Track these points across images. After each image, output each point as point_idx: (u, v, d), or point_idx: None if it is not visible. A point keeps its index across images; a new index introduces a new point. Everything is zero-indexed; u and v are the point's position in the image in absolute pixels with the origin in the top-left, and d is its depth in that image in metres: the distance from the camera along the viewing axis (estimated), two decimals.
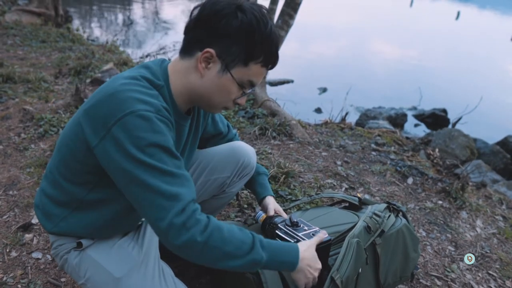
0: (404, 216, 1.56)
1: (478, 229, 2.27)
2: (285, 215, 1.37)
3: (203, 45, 0.99)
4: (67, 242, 1.13)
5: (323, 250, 1.12)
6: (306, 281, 1.07)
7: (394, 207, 1.52)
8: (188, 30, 1.02)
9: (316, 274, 1.08)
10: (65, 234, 1.12)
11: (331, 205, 1.82)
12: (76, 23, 9.25)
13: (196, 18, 1.00)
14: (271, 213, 1.36)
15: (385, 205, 1.49)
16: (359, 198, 1.65)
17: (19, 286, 1.50)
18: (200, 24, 1.00)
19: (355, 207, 1.63)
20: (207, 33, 0.99)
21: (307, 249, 1.07)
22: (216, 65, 1.00)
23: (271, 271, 1.20)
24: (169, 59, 1.13)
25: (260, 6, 1.02)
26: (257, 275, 1.21)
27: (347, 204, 1.71)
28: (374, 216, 1.38)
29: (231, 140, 1.48)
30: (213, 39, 0.98)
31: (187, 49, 1.03)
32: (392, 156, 3.01)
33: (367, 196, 2.33)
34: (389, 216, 1.43)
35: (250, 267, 0.96)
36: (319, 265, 1.08)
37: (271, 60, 1.04)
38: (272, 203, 1.40)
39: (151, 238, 1.19)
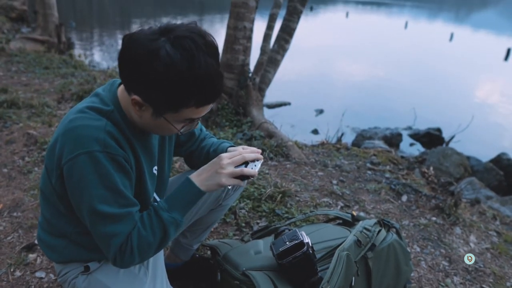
0: (398, 233, 1.61)
1: (472, 244, 2.32)
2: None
3: (129, 89, 0.95)
4: (74, 268, 1.16)
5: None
6: (223, 184, 1.08)
7: (385, 222, 1.58)
8: (118, 65, 0.95)
9: (224, 171, 1.06)
10: (72, 261, 1.16)
11: (326, 222, 1.87)
12: (78, 49, 9.47)
13: (118, 58, 0.94)
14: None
15: (375, 220, 1.55)
16: (352, 215, 1.71)
17: None
18: (121, 68, 0.94)
19: (349, 223, 1.69)
20: (129, 79, 0.94)
21: (199, 175, 1.09)
22: (148, 109, 0.96)
23: (261, 278, 1.26)
24: None
25: (189, 37, 0.88)
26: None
27: (341, 221, 1.77)
28: (364, 230, 1.44)
29: (203, 139, 1.40)
30: (136, 87, 0.93)
31: (124, 85, 0.99)
32: (387, 175, 3.08)
33: (362, 214, 2.39)
34: (380, 230, 1.49)
35: (179, 227, 1.06)
36: (222, 170, 1.06)
37: (207, 100, 0.95)
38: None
39: (156, 259, 1.23)
